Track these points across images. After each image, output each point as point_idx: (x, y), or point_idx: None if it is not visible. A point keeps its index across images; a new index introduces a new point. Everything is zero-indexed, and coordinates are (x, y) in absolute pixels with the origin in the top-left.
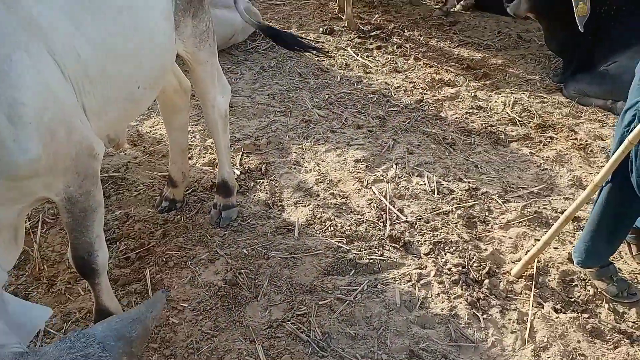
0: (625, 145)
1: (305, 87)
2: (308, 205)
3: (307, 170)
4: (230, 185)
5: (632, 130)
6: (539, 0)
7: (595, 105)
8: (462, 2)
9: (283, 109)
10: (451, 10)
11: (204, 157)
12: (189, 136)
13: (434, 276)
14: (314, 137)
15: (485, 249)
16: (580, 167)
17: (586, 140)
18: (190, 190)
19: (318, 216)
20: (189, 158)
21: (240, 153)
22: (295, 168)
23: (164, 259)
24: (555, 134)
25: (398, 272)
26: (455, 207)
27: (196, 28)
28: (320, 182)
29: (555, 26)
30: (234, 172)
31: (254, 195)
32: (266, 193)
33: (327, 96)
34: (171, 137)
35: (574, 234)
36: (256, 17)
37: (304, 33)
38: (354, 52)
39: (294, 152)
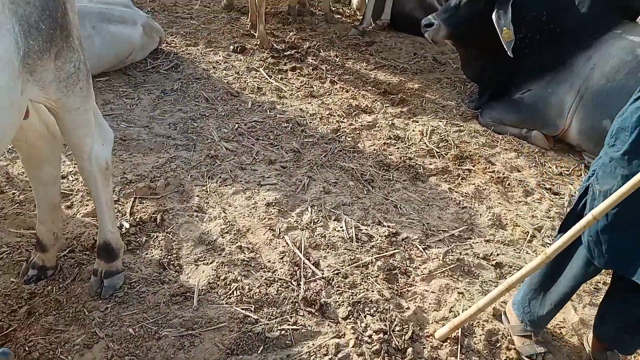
0: (587, 219)
1: (212, 115)
2: (211, 263)
3: (211, 218)
4: (114, 248)
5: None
6: (457, 28)
7: (510, 133)
8: (378, 22)
9: (186, 142)
10: (367, 29)
11: (86, 206)
12: (70, 178)
13: (353, 346)
14: (220, 176)
15: (408, 307)
16: (499, 203)
17: (503, 173)
18: (66, 251)
19: (222, 277)
20: (69, 207)
21: (132, 199)
22: (197, 216)
23: (27, 349)
24: (473, 166)
25: (313, 344)
26: (375, 258)
27: (60, 70)
28: (226, 233)
29: (471, 54)
30: (123, 225)
31: (146, 254)
32: (161, 250)
33: (236, 125)
34: (38, 192)
35: (497, 282)
36: (158, 33)
37: (213, 51)
38: (267, 74)
39: (197, 196)
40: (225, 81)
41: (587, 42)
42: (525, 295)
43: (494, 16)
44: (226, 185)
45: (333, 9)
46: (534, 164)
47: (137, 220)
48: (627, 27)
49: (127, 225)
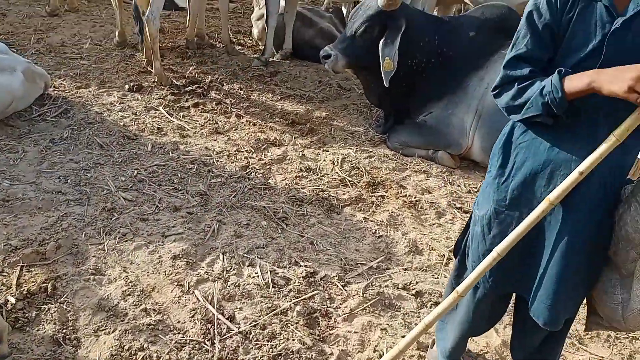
0: (492, 257)
1: (107, 163)
2: (113, 332)
3: (110, 280)
4: None
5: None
6: (355, 57)
7: (418, 155)
8: (280, 52)
9: (78, 196)
10: (270, 59)
11: None
12: None
13: None
14: (119, 231)
15: (331, 353)
16: (414, 227)
17: (415, 196)
18: None
19: (126, 347)
20: None
21: (18, 268)
22: (94, 279)
23: None
24: (386, 192)
25: None
26: (293, 303)
27: None
28: (129, 295)
29: (372, 81)
30: (8, 301)
31: (38, 330)
32: (54, 323)
33: (135, 172)
34: None
35: (419, 312)
36: (42, 78)
37: (107, 92)
38: (167, 112)
39: (93, 256)
40: (122, 124)
41: (479, 63)
42: (436, 327)
43: (380, 44)
44: (126, 241)
45: (234, 40)
46: (443, 184)
47: (25, 292)
48: None
49: (12, 300)
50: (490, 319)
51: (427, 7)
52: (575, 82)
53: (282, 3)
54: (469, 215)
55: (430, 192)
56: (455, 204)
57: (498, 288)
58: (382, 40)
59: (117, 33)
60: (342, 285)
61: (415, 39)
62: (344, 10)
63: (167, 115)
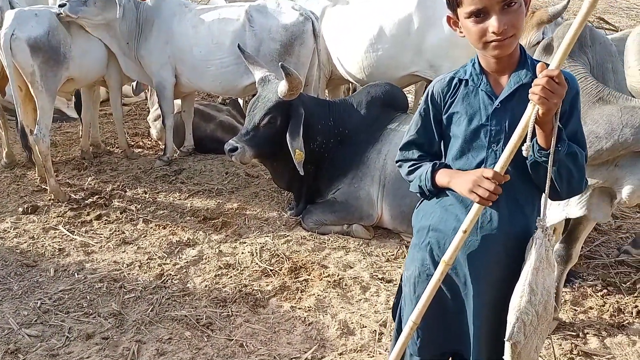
0: (409, 327)
1: (6, 298)
2: None
3: None
4: None
5: None
6: (261, 147)
7: (334, 232)
8: (182, 149)
9: None
10: (172, 158)
11: None
12: None
13: None
14: None
15: None
16: (342, 307)
17: (337, 274)
18: None
19: None
20: None
21: None
22: None
23: None
24: (309, 275)
25: None
26: None
27: None
28: None
29: (278, 166)
30: None
31: None
32: None
33: (39, 302)
34: None
35: None
36: None
37: None
38: (68, 230)
39: None
40: (18, 251)
41: (374, 137)
42: None
43: (287, 138)
44: None
45: (132, 143)
46: (362, 257)
47: None
48: (402, 118)
49: None
50: None
51: (319, 91)
52: (441, 178)
53: (178, 102)
54: (391, 284)
55: (351, 267)
56: (377, 275)
57: (430, 349)
58: (287, 132)
59: (4, 154)
60: None
61: (313, 123)
62: (240, 102)
63: (68, 233)
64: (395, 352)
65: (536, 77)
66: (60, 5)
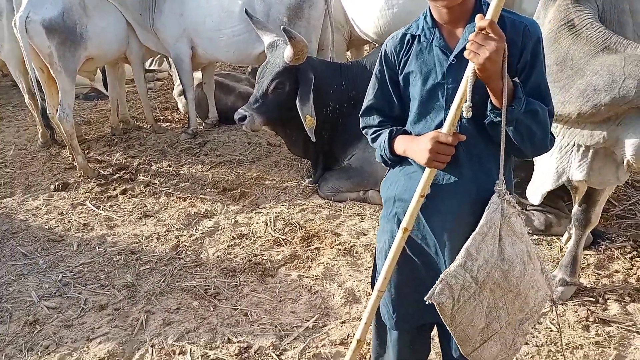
0: (374, 296)
1: (32, 272)
2: None
3: None
4: None
5: None
6: (270, 114)
7: (350, 199)
8: (206, 121)
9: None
10: (197, 131)
11: None
12: None
13: None
14: (41, 344)
15: None
16: (350, 275)
17: (349, 242)
18: None
19: None
20: None
21: None
22: None
23: None
24: (321, 243)
25: None
26: None
27: None
28: None
29: (291, 134)
30: None
31: None
32: None
33: (60, 276)
34: None
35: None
36: None
37: (32, 196)
38: (94, 205)
39: None
40: (47, 227)
41: None
42: None
43: (297, 104)
44: (49, 354)
45: (161, 117)
46: (377, 223)
47: None
48: None
49: None
50: (417, 353)
51: (336, 55)
52: (398, 147)
53: (199, 75)
54: None
55: (365, 234)
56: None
57: (407, 322)
58: (297, 98)
59: (39, 134)
60: (277, 355)
61: (324, 88)
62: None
63: (94, 209)
64: (363, 321)
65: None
66: None
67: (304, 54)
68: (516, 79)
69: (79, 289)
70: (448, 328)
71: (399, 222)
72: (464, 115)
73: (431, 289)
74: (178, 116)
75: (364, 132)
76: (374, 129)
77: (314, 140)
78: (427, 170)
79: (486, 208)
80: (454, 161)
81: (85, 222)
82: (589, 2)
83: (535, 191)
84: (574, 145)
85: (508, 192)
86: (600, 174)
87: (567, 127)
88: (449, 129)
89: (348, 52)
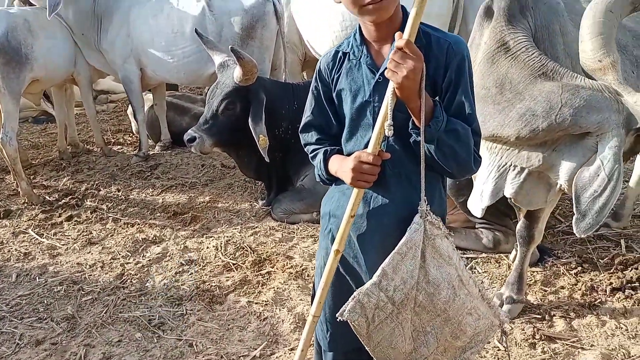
0: (309, 322)
1: None
2: None
3: None
4: None
5: None
6: (220, 135)
7: (303, 221)
8: (159, 143)
9: None
10: (149, 153)
11: None
12: None
13: None
14: None
15: None
16: (301, 300)
17: (302, 265)
18: None
19: None
20: None
21: None
22: None
23: None
24: (272, 267)
25: None
26: None
27: None
28: None
29: (243, 155)
30: None
31: None
32: None
33: None
34: None
35: None
36: None
37: None
38: (36, 234)
39: None
40: None
41: None
42: None
43: (250, 124)
44: None
45: (113, 139)
46: None
47: None
48: None
49: None
50: None
51: (291, 75)
52: (331, 166)
53: (150, 96)
54: None
55: None
56: None
57: (340, 343)
58: (249, 118)
59: None
60: None
61: (276, 108)
62: None
63: (37, 237)
64: (300, 348)
65: (421, 40)
66: None
67: (253, 74)
68: (437, 98)
69: (15, 323)
70: (366, 348)
71: (332, 239)
72: (386, 134)
73: (343, 306)
74: (130, 139)
75: (305, 148)
76: (312, 146)
77: (267, 160)
78: (355, 190)
79: (408, 228)
80: (382, 181)
81: (27, 251)
82: (522, 24)
83: (476, 205)
84: (511, 165)
85: (431, 213)
86: (528, 195)
87: (505, 148)
88: (373, 149)
89: (303, 73)
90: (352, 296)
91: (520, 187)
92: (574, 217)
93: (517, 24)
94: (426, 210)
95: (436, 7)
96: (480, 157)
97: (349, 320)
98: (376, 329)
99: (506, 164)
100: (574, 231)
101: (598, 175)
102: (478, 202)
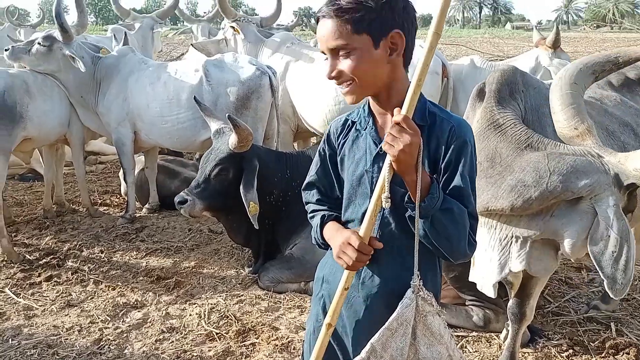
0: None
1: None
2: None
3: None
4: None
5: None
6: (211, 200)
7: (290, 290)
8: (147, 206)
9: None
10: (136, 215)
11: None
12: None
13: None
14: None
15: None
16: None
17: (288, 337)
18: None
19: None
20: None
21: None
22: None
23: None
24: (257, 338)
25: None
26: None
27: None
28: None
29: (233, 221)
30: None
31: None
32: None
33: None
34: None
35: None
36: None
37: None
38: (13, 293)
39: None
40: None
41: None
42: None
43: (241, 190)
44: None
45: (100, 200)
46: None
47: None
48: None
49: None
50: None
51: (283, 145)
52: (326, 233)
53: (142, 158)
54: None
55: (304, 329)
56: None
57: None
58: (241, 184)
59: None
60: None
61: (269, 176)
62: None
63: (13, 296)
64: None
65: (425, 119)
66: (6, 50)
67: (248, 141)
68: (435, 175)
69: None
70: None
71: (324, 307)
72: (384, 205)
73: None
74: (117, 200)
75: (305, 206)
76: (312, 206)
77: (257, 227)
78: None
79: (400, 303)
80: (374, 254)
81: (1, 310)
82: (511, 105)
83: (484, 284)
84: (512, 237)
85: (424, 288)
86: (541, 262)
87: (502, 221)
88: (366, 232)
89: (295, 143)
90: None
91: (529, 257)
92: (605, 283)
93: (506, 104)
94: (419, 285)
95: (426, 87)
96: (475, 242)
97: None
98: None
99: (507, 235)
100: (611, 295)
101: (609, 236)
102: (484, 280)
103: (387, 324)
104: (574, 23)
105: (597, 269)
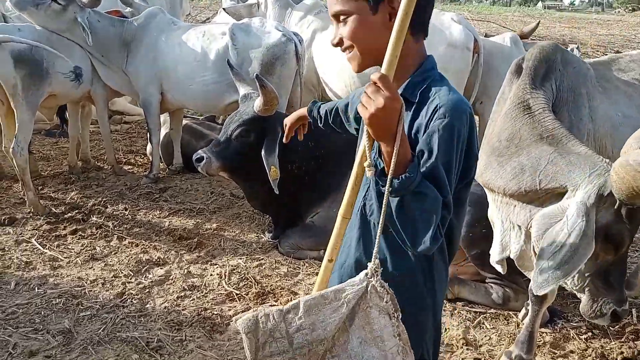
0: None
1: None
2: None
3: None
4: None
5: None
6: (229, 159)
7: (310, 257)
8: (171, 167)
9: None
10: (159, 176)
11: None
12: None
13: None
14: None
15: None
16: None
17: None
18: None
19: None
20: None
21: None
22: None
23: None
24: (276, 301)
25: None
26: None
27: None
28: None
29: (252, 185)
30: None
31: None
32: None
33: None
34: None
35: None
36: None
37: None
38: (39, 244)
39: None
40: None
41: (352, 162)
42: None
43: (263, 154)
44: None
45: (124, 159)
46: None
47: None
48: None
49: None
50: None
51: None
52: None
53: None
54: None
55: None
56: None
57: None
58: (263, 148)
59: None
60: None
61: (292, 144)
62: None
63: (40, 247)
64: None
65: (415, 95)
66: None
67: (273, 105)
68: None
69: (10, 331)
70: None
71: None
72: (367, 174)
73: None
74: (142, 160)
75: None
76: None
77: (276, 192)
78: (337, 226)
79: (350, 279)
80: (353, 222)
81: (28, 260)
82: (544, 87)
83: (492, 261)
84: (510, 222)
85: (381, 280)
86: (529, 261)
87: (503, 203)
88: (348, 200)
89: None
90: (253, 309)
91: (521, 249)
92: (533, 272)
93: (540, 85)
94: (373, 270)
95: (456, 62)
96: (441, 237)
97: (240, 329)
98: (264, 358)
99: (508, 220)
100: (531, 286)
101: (562, 230)
102: (492, 257)
103: (323, 290)
104: (609, 5)
105: (536, 254)
